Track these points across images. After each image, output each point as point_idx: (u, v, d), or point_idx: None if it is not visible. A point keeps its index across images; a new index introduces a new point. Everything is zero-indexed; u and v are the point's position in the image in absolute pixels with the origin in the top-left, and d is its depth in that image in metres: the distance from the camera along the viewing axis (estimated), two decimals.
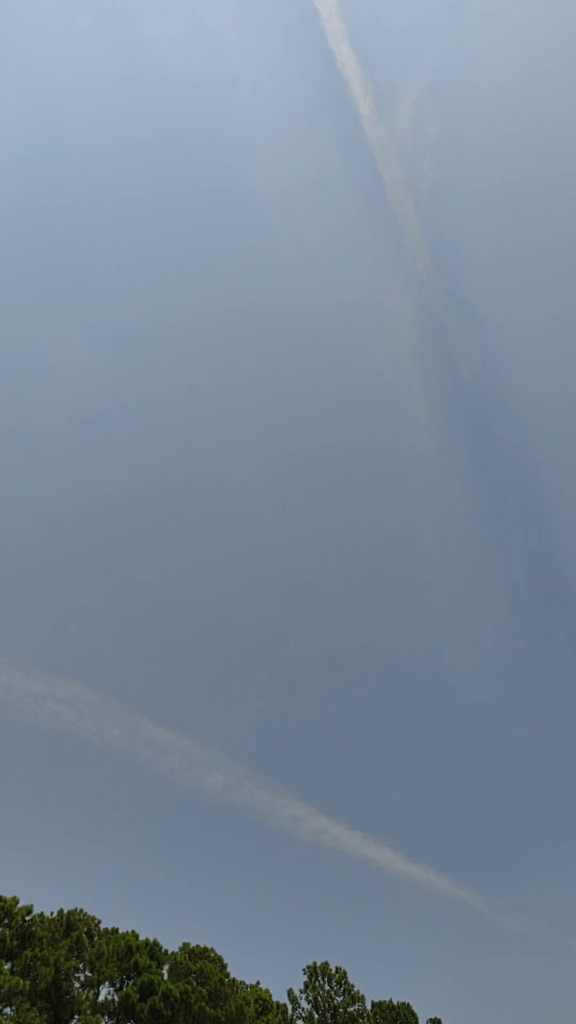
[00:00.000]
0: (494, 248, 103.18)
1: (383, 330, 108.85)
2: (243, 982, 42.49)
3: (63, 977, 35.67)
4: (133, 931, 41.03)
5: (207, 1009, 37.12)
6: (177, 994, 36.74)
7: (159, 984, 37.49)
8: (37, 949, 35.24)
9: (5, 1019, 31.87)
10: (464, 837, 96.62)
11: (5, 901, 36.47)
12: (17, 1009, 32.54)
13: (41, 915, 37.54)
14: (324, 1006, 42.22)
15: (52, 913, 38.18)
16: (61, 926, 37.52)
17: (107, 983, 38.15)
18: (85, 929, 38.51)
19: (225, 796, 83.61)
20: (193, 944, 42.34)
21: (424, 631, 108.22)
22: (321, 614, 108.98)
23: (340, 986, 43.12)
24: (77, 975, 37.07)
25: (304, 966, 44.10)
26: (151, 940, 41.24)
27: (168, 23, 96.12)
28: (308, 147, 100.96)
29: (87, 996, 36.67)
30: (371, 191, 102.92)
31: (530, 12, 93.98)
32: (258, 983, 42.72)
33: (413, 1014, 43.50)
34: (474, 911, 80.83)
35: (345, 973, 43.70)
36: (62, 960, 35.57)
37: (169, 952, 41.57)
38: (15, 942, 35.46)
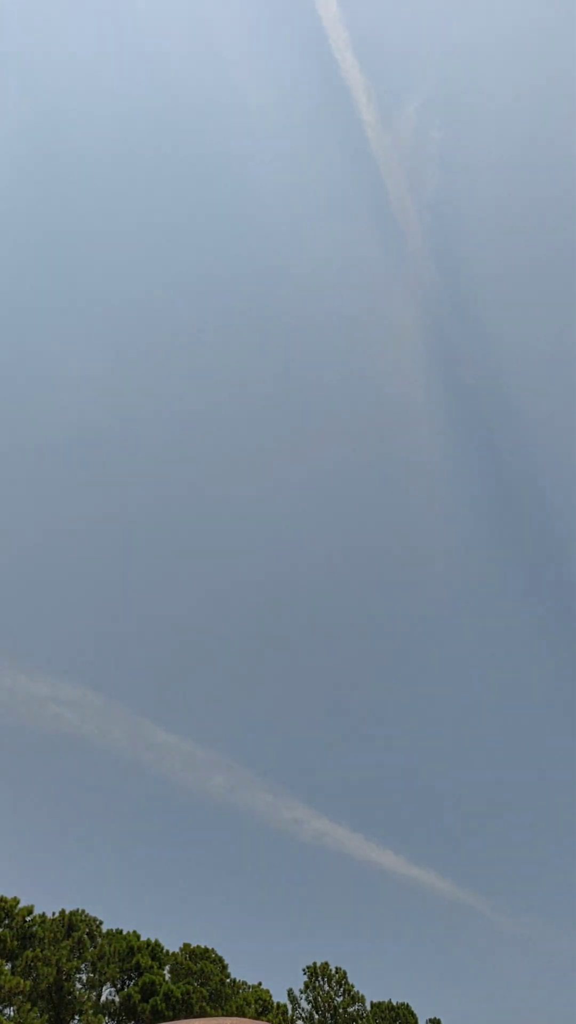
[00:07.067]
0: (498, 255, 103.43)
1: (386, 339, 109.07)
2: (244, 982, 42.66)
3: (64, 978, 35.87)
4: (135, 931, 41.24)
5: (208, 1009, 37.32)
6: (179, 994, 36.97)
7: (161, 984, 37.72)
8: (38, 949, 35.47)
9: (6, 1020, 32.08)
10: (467, 840, 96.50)
11: (6, 902, 36.70)
12: (18, 1009, 32.75)
13: (43, 916, 37.71)
14: (324, 1006, 42.36)
15: (54, 914, 38.29)
16: (63, 927, 37.70)
17: (109, 983, 38.35)
18: (87, 930, 38.69)
19: (227, 798, 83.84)
20: (194, 945, 42.51)
21: (428, 635, 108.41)
22: (324, 617, 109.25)
23: (340, 986, 43.26)
24: (79, 975, 37.25)
25: (304, 966, 44.25)
26: (153, 940, 41.42)
27: (169, 29, 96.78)
28: (310, 155, 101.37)
29: (89, 996, 36.88)
30: (374, 199, 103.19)
31: (534, 18, 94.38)
32: (259, 984, 42.90)
33: (413, 1015, 43.64)
34: (476, 913, 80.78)
35: (345, 974, 43.84)
36: (63, 960, 35.77)
37: (170, 952, 41.75)
38: (15, 943, 35.71)
